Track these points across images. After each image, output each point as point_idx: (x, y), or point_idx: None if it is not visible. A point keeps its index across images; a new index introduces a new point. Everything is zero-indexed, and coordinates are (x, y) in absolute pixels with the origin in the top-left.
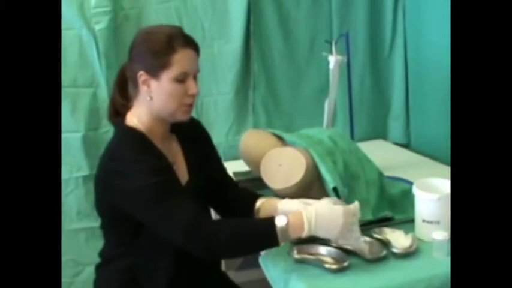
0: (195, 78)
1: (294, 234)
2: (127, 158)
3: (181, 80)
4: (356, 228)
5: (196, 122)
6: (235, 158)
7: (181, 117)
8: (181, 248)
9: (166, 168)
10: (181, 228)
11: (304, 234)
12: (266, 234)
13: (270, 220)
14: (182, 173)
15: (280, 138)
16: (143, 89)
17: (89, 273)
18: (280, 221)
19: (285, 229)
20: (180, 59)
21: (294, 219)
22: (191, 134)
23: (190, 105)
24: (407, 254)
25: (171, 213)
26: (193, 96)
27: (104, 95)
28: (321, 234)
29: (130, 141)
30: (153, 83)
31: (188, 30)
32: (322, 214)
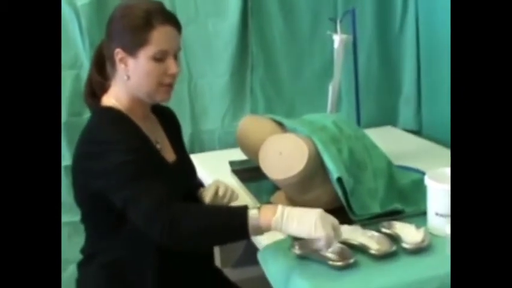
0: (175, 57)
1: (264, 221)
2: (104, 138)
3: (159, 58)
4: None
5: (172, 112)
6: (231, 145)
7: (160, 98)
8: (145, 232)
9: (144, 148)
10: (145, 210)
11: (274, 220)
12: (235, 226)
13: (242, 210)
14: (168, 151)
15: (280, 124)
16: (120, 67)
17: (72, 271)
18: (252, 206)
19: (256, 215)
20: (159, 37)
21: (266, 207)
22: (168, 118)
23: (170, 85)
24: (419, 250)
25: (140, 195)
26: (173, 76)
27: None
28: (294, 224)
29: (108, 121)
30: (130, 62)
31: (180, 6)
32: (297, 207)
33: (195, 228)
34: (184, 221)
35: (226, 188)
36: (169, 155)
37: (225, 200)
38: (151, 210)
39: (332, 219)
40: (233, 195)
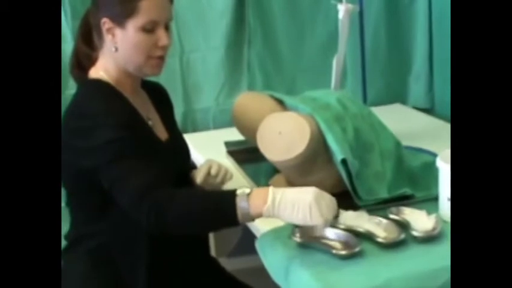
0: (167, 28)
1: (254, 208)
2: (93, 111)
3: (149, 29)
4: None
5: (163, 89)
6: (226, 125)
7: (150, 71)
8: (131, 215)
9: (135, 123)
10: (132, 192)
11: (266, 209)
12: (224, 214)
13: (231, 197)
14: (160, 129)
15: (280, 101)
16: (107, 38)
17: None
18: (241, 191)
19: (245, 201)
20: (148, 6)
21: (257, 193)
22: (159, 94)
23: (161, 58)
24: (430, 238)
25: (128, 176)
26: (164, 48)
27: (70, 50)
28: (287, 211)
29: (96, 93)
30: (118, 32)
31: None
32: (290, 189)
33: (182, 215)
34: (172, 206)
35: (219, 167)
36: (162, 134)
37: (218, 180)
38: (139, 192)
39: (328, 199)
40: (227, 175)
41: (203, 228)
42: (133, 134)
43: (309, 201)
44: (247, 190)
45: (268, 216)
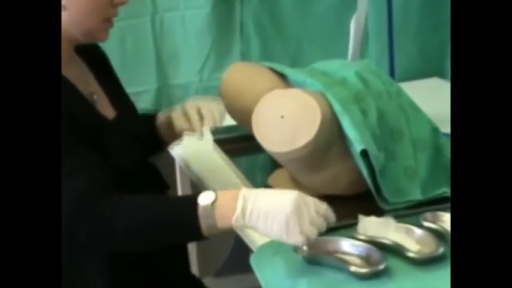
0: None
1: (221, 220)
2: None
3: None
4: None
5: (101, 51)
6: None
7: (100, 36)
8: (68, 230)
9: (70, 103)
10: (68, 201)
11: (234, 220)
12: (184, 222)
13: (192, 199)
14: (105, 105)
15: (281, 75)
16: None
17: None
18: (204, 199)
19: (210, 212)
20: None
21: (224, 198)
22: (97, 60)
23: (112, 20)
24: None
25: (66, 177)
26: (119, 6)
27: None
28: (260, 223)
29: None
30: None
31: None
32: (267, 193)
33: (131, 227)
34: (118, 217)
35: (208, 108)
36: (108, 111)
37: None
38: (76, 200)
39: (314, 209)
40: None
41: (160, 244)
42: (66, 120)
43: (287, 211)
44: (212, 196)
45: (241, 229)
